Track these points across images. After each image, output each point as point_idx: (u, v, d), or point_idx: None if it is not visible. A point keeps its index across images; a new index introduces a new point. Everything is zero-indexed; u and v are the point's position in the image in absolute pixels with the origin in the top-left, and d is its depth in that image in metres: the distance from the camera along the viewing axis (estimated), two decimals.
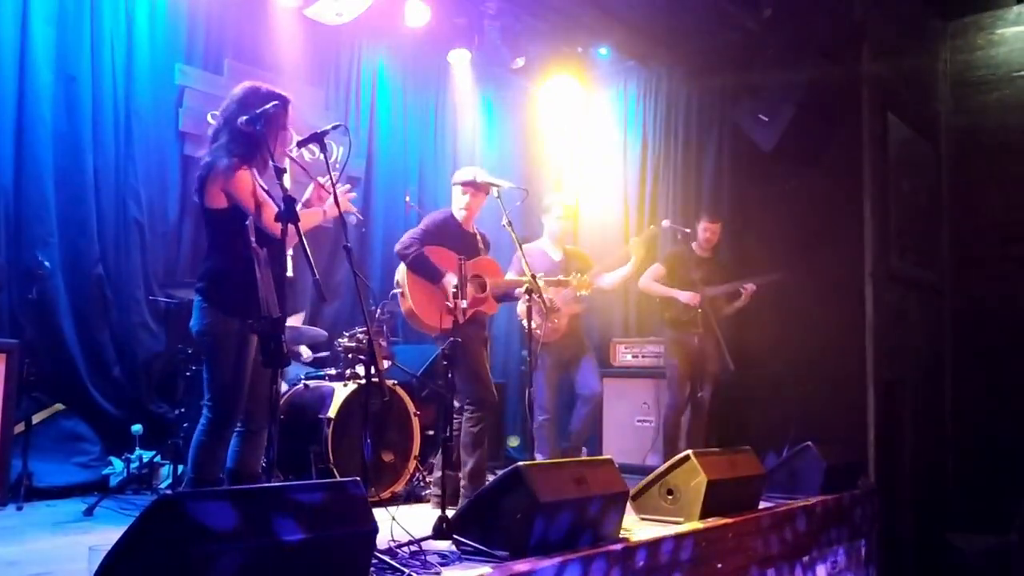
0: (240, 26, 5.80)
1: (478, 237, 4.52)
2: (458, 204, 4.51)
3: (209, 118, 5.46)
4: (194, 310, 3.19)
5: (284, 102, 3.21)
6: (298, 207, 2.86)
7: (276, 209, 2.94)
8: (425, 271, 4.29)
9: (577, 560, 2.89)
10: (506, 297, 4.65)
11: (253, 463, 3.27)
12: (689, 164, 7.16)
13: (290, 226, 2.84)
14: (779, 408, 6.17)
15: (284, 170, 2.98)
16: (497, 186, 4.32)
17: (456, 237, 4.44)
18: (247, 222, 2.95)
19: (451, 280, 4.14)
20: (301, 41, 6.15)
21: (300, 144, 3.27)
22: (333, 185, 3.15)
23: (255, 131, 3.06)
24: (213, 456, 3.15)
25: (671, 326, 5.75)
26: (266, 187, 3.20)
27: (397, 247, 4.37)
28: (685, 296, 5.59)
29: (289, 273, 3.28)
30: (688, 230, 5.72)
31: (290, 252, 3.25)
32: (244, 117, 3.08)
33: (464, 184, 4.47)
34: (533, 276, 4.12)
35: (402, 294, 4.32)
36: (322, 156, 3.11)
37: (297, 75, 6.10)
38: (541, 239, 5.53)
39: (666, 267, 5.71)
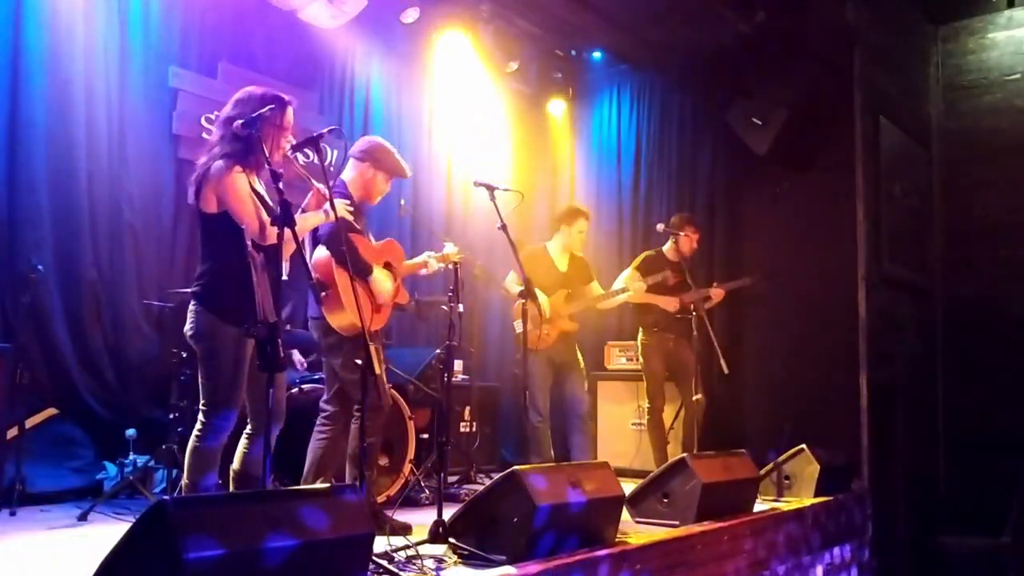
0: (234, 29, 5.79)
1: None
2: (377, 184, 3.97)
3: (203, 121, 5.47)
4: (188, 314, 3.18)
5: (282, 105, 3.20)
6: (298, 213, 2.86)
7: (271, 213, 2.94)
8: (356, 264, 3.65)
9: (574, 564, 2.89)
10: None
11: (259, 465, 3.26)
12: (683, 167, 7.20)
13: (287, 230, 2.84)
14: (773, 411, 6.20)
15: (281, 174, 2.96)
16: (493, 188, 4.01)
17: (354, 215, 3.83)
18: (243, 226, 2.94)
19: (381, 279, 3.82)
20: (295, 44, 6.15)
21: (295, 148, 3.24)
22: (329, 190, 3.15)
23: (251, 135, 3.06)
24: (208, 461, 3.13)
25: (649, 330, 5.77)
26: (263, 191, 3.19)
27: (321, 232, 3.63)
28: (665, 302, 5.66)
29: (284, 276, 3.28)
30: (682, 233, 5.73)
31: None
32: (240, 120, 3.09)
33: (385, 164, 3.94)
34: (528, 281, 4.07)
35: (329, 294, 3.59)
36: (317, 160, 3.11)
37: (291, 78, 6.10)
38: (551, 243, 5.47)
39: (640, 273, 5.74)
